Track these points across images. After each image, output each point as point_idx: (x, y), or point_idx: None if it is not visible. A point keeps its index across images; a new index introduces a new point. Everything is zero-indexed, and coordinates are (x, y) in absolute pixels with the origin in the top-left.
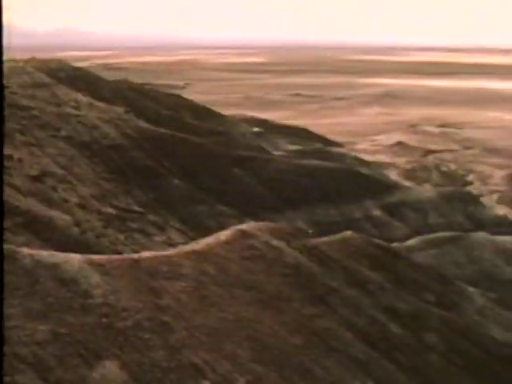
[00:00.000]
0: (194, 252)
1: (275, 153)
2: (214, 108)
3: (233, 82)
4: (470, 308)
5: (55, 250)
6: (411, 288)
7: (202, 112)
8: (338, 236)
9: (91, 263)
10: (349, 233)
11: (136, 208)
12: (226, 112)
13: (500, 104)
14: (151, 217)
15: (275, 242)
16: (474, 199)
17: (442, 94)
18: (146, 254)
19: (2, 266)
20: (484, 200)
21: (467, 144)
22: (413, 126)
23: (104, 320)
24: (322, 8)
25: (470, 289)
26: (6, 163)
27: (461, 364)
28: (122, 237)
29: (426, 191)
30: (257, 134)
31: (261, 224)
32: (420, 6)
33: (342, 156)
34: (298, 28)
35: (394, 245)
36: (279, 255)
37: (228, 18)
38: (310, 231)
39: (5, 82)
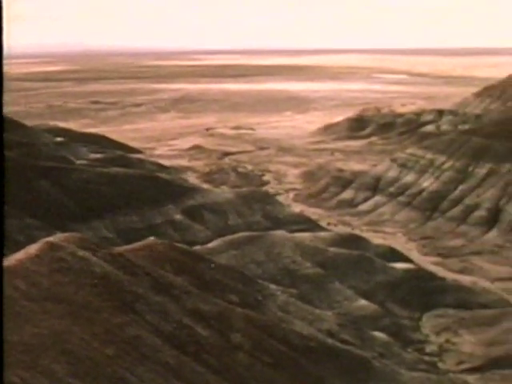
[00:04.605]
0: (5, 268)
1: (78, 162)
2: (18, 119)
3: (34, 92)
4: (273, 305)
5: None
6: (215, 290)
7: (7, 124)
8: (142, 243)
9: None
10: (152, 239)
11: None
12: (29, 122)
13: (290, 104)
14: None
15: (82, 253)
16: (271, 198)
17: (236, 96)
18: None
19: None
20: (281, 198)
21: (262, 144)
22: (208, 128)
23: None
24: (117, 13)
25: (272, 286)
26: None
27: (268, 361)
28: None
29: (225, 193)
30: (59, 144)
31: (67, 235)
32: (210, 10)
33: (142, 162)
34: (96, 34)
35: (196, 248)
36: (86, 265)
37: (22, 25)
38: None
39: None
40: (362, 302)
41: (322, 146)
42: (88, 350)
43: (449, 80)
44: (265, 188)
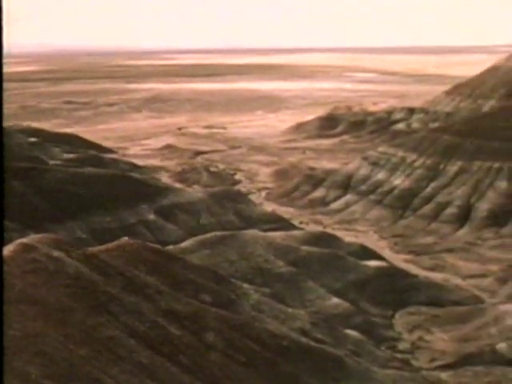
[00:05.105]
0: None
1: (51, 162)
2: None
3: (8, 92)
4: (246, 304)
5: None
6: (188, 289)
7: None
8: (115, 243)
9: None
10: (125, 239)
11: None
12: (3, 123)
13: (262, 103)
14: None
15: (56, 254)
16: (244, 197)
17: (208, 95)
18: None
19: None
20: (253, 197)
21: (234, 143)
22: (181, 128)
23: None
24: (89, 13)
25: (245, 285)
26: None
27: (241, 360)
28: None
29: (197, 192)
30: (33, 144)
31: (40, 236)
32: (182, 9)
33: (115, 162)
34: (68, 34)
35: (169, 248)
36: (60, 266)
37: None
38: None
39: None
40: (335, 300)
41: (294, 144)
42: (62, 352)
43: (420, 78)
44: (237, 187)
